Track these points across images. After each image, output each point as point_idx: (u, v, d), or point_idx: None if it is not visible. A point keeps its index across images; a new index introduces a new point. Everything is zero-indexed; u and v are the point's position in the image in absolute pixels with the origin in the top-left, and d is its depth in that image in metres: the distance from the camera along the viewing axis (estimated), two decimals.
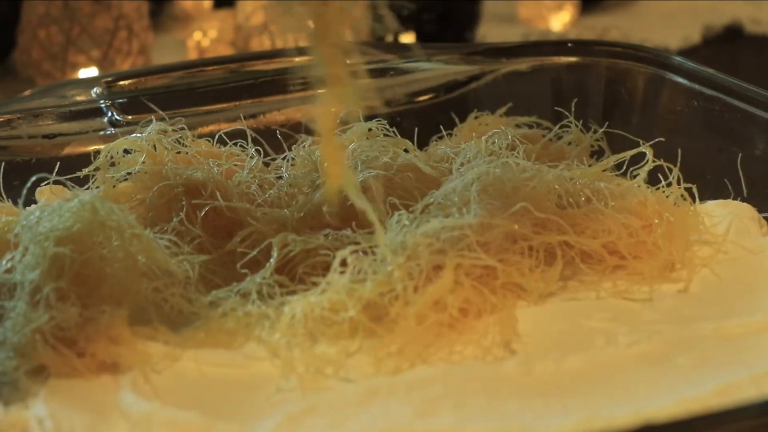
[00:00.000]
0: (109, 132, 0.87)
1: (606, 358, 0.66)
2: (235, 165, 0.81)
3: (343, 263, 0.69)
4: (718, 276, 0.74)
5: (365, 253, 0.70)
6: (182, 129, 0.82)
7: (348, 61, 0.69)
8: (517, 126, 0.89)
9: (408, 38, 1.28)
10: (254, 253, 0.72)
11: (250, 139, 0.83)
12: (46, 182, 0.80)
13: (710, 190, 0.81)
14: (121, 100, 0.88)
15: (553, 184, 0.75)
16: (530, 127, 0.90)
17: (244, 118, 0.88)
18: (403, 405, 0.62)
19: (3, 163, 0.83)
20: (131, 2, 1.20)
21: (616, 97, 0.92)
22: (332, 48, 0.68)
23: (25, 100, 0.88)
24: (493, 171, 0.75)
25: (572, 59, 0.94)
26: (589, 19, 1.43)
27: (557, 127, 0.87)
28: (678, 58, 0.91)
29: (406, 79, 0.94)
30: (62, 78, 1.18)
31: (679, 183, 0.77)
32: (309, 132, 0.89)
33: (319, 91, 0.70)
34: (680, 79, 0.89)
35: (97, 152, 0.82)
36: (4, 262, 0.69)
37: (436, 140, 0.90)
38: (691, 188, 0.78)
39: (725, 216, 0.78)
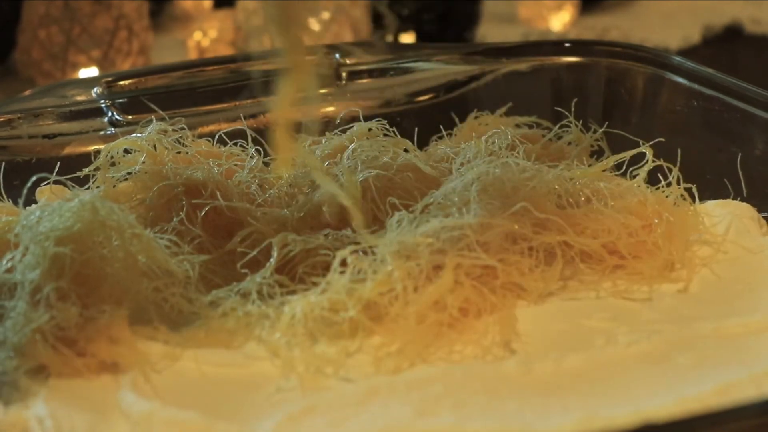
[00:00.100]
0: (109, 132, 0.87)
1: (606, 357, 0.66)
2: (235, 165, 0.81)
3: (343, 263, 0.69)
4: (718, 276, 0.74)
5: (365, 253, 0.70)
6: (182, 129, 0.82)
7: (308, 48, 0.70)
8: (517, 126, 0.89)
9: (408, 38, 1.28)
10: (254, 253, 0.72)
11: (250, 139, 0.83)
12: (46, 182, 0.80)
13: (710, 190, 0.81)
14: (121, 100, 0.88)
15: (553, 184, 0.75)
16: (530, 127, 0.90)
17: (244, 118, 0.88)
18: (403, 404, 0.62)
19: (3, 163, 0.83)
20: (131, 2, 1.20)
21: (616, 97, 0.92)
22: (294, 35, 0.68)
23: (25, 100, 0.88)
24: (493, 171, 0.75)
25: (572, 59, 0.95)
26: (589, 19, 1.43)
27: (557, 127, 0.87)
28: (678, 58, 0.91)
29: (406, 79, 0.94)
30: (62, 78, 1.18)
31: (678, 183, 0.78)
32: (309, 132, 0.89)
33: (280, 76, 0.70)
34: (680, 79, 0.89)
35: (98, 152, 0.82)
36: (4, 262, 0.69)
37: (436, 140, 0.90)
38: (690, 188, 0.78)
39: (725, 216, 0.78)
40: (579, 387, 0.63)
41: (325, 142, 0.84)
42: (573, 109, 0.86)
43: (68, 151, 0.86)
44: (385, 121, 0.85)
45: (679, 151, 0.82)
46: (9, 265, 0.68)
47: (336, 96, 0.92)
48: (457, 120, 0.91)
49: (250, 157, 0.82)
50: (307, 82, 0.69)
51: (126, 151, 0.81)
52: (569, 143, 0.86)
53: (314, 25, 1.23)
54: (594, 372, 0.64)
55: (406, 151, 0.82)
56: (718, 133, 0.86)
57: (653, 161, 0.79)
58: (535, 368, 0.65)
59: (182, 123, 0.83)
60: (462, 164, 0.79)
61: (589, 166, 0.82)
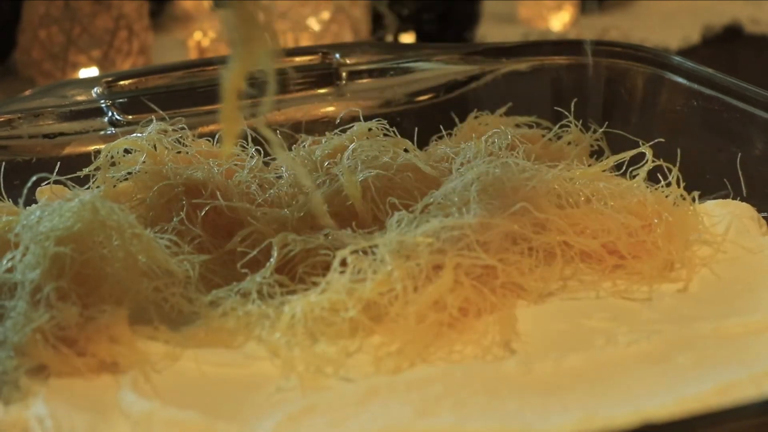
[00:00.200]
0: (109, 132, 0.87)
1: (605, 357, 0.66)
2: (235, 165, 0.81)
3: (343, 263, 0.69)
4: (718, 275, 0.74)
5: (365, 252, 0.70)
6: (182, 129, 0.83)
7: (262, 23, 0.67)
8: (517, 126, 0.89)
9: (408, 38, 1.28)
10: (254, 252, 0.72)
11: (250, 139, 0.83)
12: (46, 182, 0.80)
13: (710, 190, 0.81)
14: (121, 100, 0.88)
15: (552, 184, 0.75)
16: (530, 127, 0.90)
17: (244, 118, 0.88)
18: (403, 404, 0.62)
19: (4, 163, 0.83)
20: (131, 2, 1.20)
21: (616, 97, 0.92)
22: (246, 7, 0.66)
23: (25, 100, 0.88)
24: (492, 171, 0.75)
25: (572, 59, 0.95)
26: (589, 19, 1.43)
27: (557, 127, 0.87)
28: (677, 58, 0.91)
29: (406, 79, 0.94)
30: (63, 78, 1.18)
31: (678, 183, 0.78)
32: (309, 132, 0.89)
33: (232, 50, 0.68)
34: (680, 79, 0.89)
35: (98, 152, 0.82)
36: (4, 262, 0.69)
37: (436, 140, 0.90)
38: (690, 188, 0.78)
39: (725, 216, 0.78)
40: (579, 387, 0.63)
41: (325, 142, 0.84)
42: (573, 109, 0.86)
43: (68, 150, 0.86)
44: (385, 121, 0.85)
45: (678, 151, 0.82)
46: (9, 264, 0.68)
47: (336, 96, 0.92)
48: (457, 120, 0.91)
49: (250, 157, 0.82)
50: (260, 55, 0.67)
51: (126, 151, 0.81)
52: (569, 143, 0.86)
53: (314, 25, 1.23)
54: (594, 372, 0.64)
55: (406, 151, 0.82)
56: (718, 133, 0.86)
57: (653, 161, 0.79)
58: (535, 368, 0.65)
59: (182, 123, 0.83)
60: (462, 164, 0.79)
61: (589, 166, 0.82)
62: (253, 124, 0.70)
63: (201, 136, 0.86)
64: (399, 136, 0.84)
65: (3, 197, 0.81)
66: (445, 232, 0.70)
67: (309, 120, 0.91)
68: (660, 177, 0.78)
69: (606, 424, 0.59)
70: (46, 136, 0.86)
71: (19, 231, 0.70)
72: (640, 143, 0.80)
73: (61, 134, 0.86)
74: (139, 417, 0.62)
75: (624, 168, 0.81)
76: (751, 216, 0.79)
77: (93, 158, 0.82)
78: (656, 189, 0.78)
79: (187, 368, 0.66)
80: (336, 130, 0.86)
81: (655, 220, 0.75)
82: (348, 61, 0.93)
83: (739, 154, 0.83)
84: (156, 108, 0.86)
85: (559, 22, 1.40)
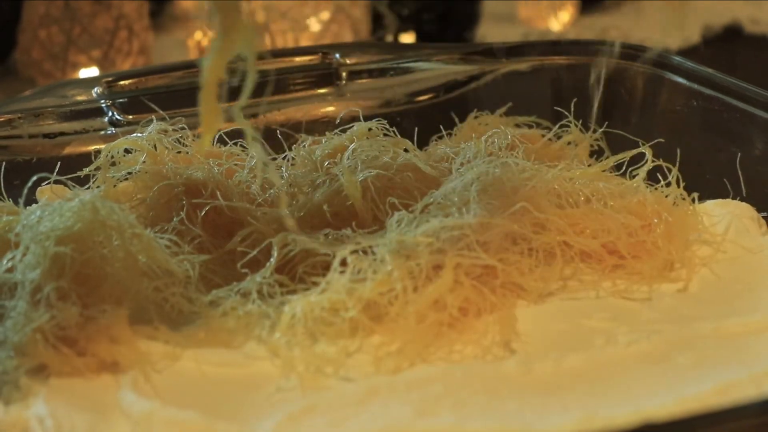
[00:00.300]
0: (109, 132, 0.87)
1: (605, 357, 0.66)
2: (235, 165, 0.81)
3: (343, 263, 0.69)
4: (718, 275, 0.74)
5: (365, 252, 0.70)
6: (182, 129, 0.83)
7: (243, 11, 0.66)
8: (517, 126, 0.89)
9: (408, 38, 1.28)
10: (254, 252, 0.72)
11: (250, 139, 0.83)
12: (46, 182, 0.80)
13: (709, 190, 0.81)
14: (121, 100, 0.88)
15: (552, 184, 0.75)
16: (530, 127, 0.90)
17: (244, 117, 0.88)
18: (403, 404, 0.62)
19: (4, 163, 0.83)
20: (131, 2, 1.20)
21: (616, 97, 0.92)
22: None
23: (25, 100, 0.88)
24: (492, 171, 0.75)
25: (572, 59, 0.95)
26: (589, 19, 1.43)
27: (557, 127, 0.87)
28: (677, 58, 0.91)
29: (406, 79, 0.94)
30: (63, 78, 1.18)
31: (678, 183, 0.78)
32: (309, 132, 0.89)
33: (213, 38, 0.67)
34: (679, 79, 0.89)
35: (98, 152, 0.82)
36: (5, 262, 0.69)
37: (436, 140, 0.90)
38: (690, 188, 0.78)
39: (724, 215, 0.78)
40: (579, 387, 0.63)
41: (325, 142, 0.84)
42: (573, 109, 0.86)
43: (69, 150, 0.86)
44: (385, 121, 0.85)
45: (678, 151, 0.82)
46: (9, 264, 0.68)
47: (336, 96, 0.92)
48: (457, 120, 0.91)
49: (250, 157, 0.82)
50: (241, 45, 0.65)
51: (126, 151, 0.81)
52: (569, 143, 0.86)
53: (314, 25, 1.23)
54: (594, 372, 0.65)
55: (406, 151, 0.82)
56: (718, 133, 0.86)
57: (653, 161, 0.79)
58: (535, 368, 0.65)
59: (182, 123, 0.83)
60: (462, 164, 0.79)
61: (589, 166, 0.82)
62: (231, 115, 0.69)
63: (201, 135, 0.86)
64: (399, 136, 0.84)
65: (3, 197, 0.81)
66: (445, 232, 0.70)
67: (309, 120, 0.91)
68: (660, 177, 0.78)
69: (606, 424, 0.59)
70: (46, 135, 0.86)
71: (20, 231, 0.70)
72: (640, 143, 0.81)
73: (62, 134, 0.86)
74: (139, 417, 0.62)
75: (624, 168, 0.81)
76: (750, 216, 0.79)
77: (93, 158, 0.82)
78: (656, 189, 0.78)
79: (187, 368, 0.66)
80: (336, 130, 0.86)
81: (655, 220, 0.75)
82: (348, 61, 0.93)
83: (739, 154, 0.83)
84: (156, 108, 0.86)
85: (559, 22, 1.40)
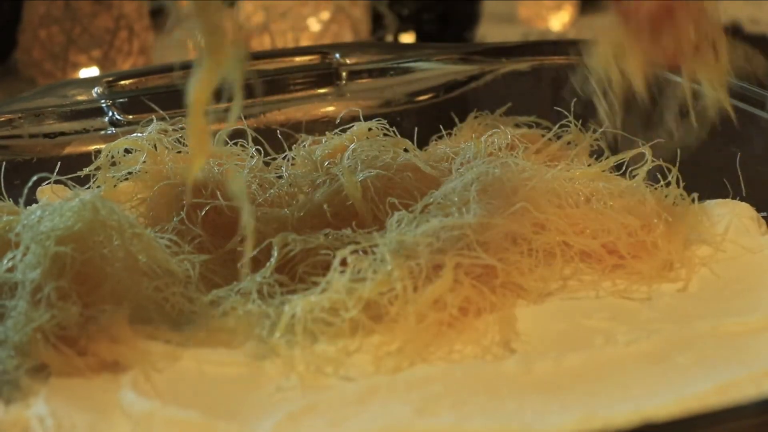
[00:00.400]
0: (110, 131, 0.87)
1: (605, 356, 0.66)
2: (236, 164, 0.81)
3: (343, 263, 0.69)
4: (717, 275, 0.74)
5: (365, 252, 0.70)
6: (183, 128, 0.83)
7: (229, 32, 0.64)
8: (517, 126, 0.89)
9: (408, 38, 1.29)
10: (254, 252, 0.72)
11: (250, 139, 0.83)
12: (47, 181, 0.80)
13: (709, 190, 0.81)
14: (121, 100, 0.88)
15: (552, 183, 0.75)
16: (530, 126, 0.90)
17: (244, 117, 0.88)
18: (403, 403, 0.62)
19: (4, 163, 0.83)
20: (132, 2, 1.20)
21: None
22: (213, 17, 0.63)
23: (26, 100, 0.88)
24: (492, 171, 0.75)
25: (572, 59, 0.95)
26: (589, 19, 1.43)
27: (557, 126, 0.87)
28: None
29: (406, 79, 0.94)
30: (63, 78, 1.18)
31: (678, 183, 0.78)
32: (309, 132, 0.89)
33: (197, 60, 0.65)
34: (679, 79, 0.89)
35: (98, 152, 0.82)
36: (5, 261, 0.69)
37: (435, 140, 0.90)
38: (690, 188, 0.78)
39: (724, 215, 0.78)
40: (578, 386, 0.63)
41: (325, 142, 0.85)
42: (573, 109, 0.86)
43: (69, 150, 0.86)
44: (385, 121, 0.85)
45: (678, 151, 0.82)
46: (10, 264, 0.68)
47: (336, 96, 0.92)
48: (457, 120, 0.91)
49: (250, 156, 0.82)
50: (226, 68, 0.64)
51: (127, 151, 0.81)
52: (569, 143, 0.86)
53: (314, 25, 1.23)
54: (593, 371, 0.65)
55: (406, 151, 0.82)
56: (718, 133, 0.85)
57: (653, 161, 0.79)
58: (535, 367, 0.65)
59: (182, 123, 0.83)
60: (462, 164, 0.79)
61: (589, 166, 0.82)
62: (218, 130, 0.68)
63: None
64: (399, 136, 0.84)
65: (3, 197, 0.81)
66: (445, 232, 0.70)
67: (309, 120, 0.92)
68: (660, 177, 0.78)
69: (606, 423, 0.59)
70: (46, 135, 0.86)
71: (20, 230, 0.70)
72: (640, 143, 0.81)
73: (62, 134, 0.87)
74: (139, 416, 0.62)
75: (624, 168, 0.81)
76: (750, 216, 0.79)
77: (93, 158, 0.82)
78: (656, 189, 0.78)
79: (188, 368, 0.66)
80: (336, 130, 0.86)
81: (655, 220, 0.75)
82: (348, 61, 0.93)
83: (739, 154, 0.83)
84: (156, 108, 0.86)
85: (559, 22, 1.40)
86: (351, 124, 0.86)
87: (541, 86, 0.95)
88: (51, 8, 1.18)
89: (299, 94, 0.92)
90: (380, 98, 0.93)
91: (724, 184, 0.82)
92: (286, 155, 0.85)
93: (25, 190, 0.77)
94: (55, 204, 0.70)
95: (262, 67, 0.93)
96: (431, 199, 0.74)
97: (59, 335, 0.65)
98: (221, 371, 0.66)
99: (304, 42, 1.23)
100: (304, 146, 0.85)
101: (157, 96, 0.88)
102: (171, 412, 0.62)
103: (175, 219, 0.76)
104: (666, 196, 0.77)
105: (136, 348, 0.66)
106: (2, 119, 0.86)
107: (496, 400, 0.62)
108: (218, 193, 0.76)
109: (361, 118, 0.87)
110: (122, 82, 0.90)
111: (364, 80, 0.93)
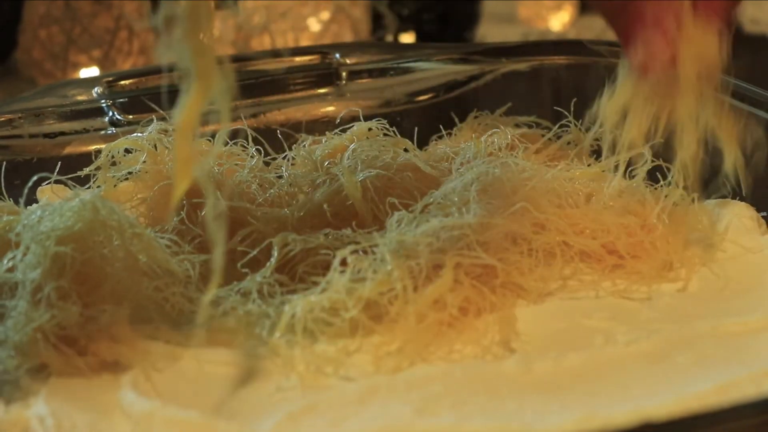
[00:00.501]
0: (110, 131, 0.87)
1: (605, 356, 0.66)
2: (236, 164, 0.81)
3: (343, 262, 0.69)
4: (717, 275, 0.74)
5: (365, 252, 0.70)
6: None
7: (217, 55, 0.63)
8: (517, 126, 0.89)
9: (408, 38, 1.29)
10: (254, 252, 0.72)
11: (250, 139, 0.83)
12: (47, 181, 0.80)
13: (709, 190, 0.81)
14: (122, 100, 0.88)
15: (552, 183, 0.75)
16: (530, 126, 0.90)
17: (244, 117, 0.88)
18: (403, 403, 0.62)
19: (4, 163, 0.83)
20: (132, 2, 1.20)
21: None
22: (201, 39, 0.62)
23: (26, 100, 0.88)
24: (492, 171, 0.75)
25: (572, 59, 0.95)
26: (589, 19, 1.43)
27: (557, 126, 0.87)
28: None
29: (406, 79, 0.94)
30: (63, 77, 1.18)
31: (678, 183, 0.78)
32: (309, 132, 0.89)
33: (185, 84, 0.64)
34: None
35: (98, 152, 0.82)
36: (5, 261, 0.69)
37: (435, 140, 0.90)
38: (689, 188, 0.78)
39: (724, 215, 0.78)
40: (578, 386, 0.63)
41: (325, 142, 0.85)
42: (573, 109, 0.86)
43: (69, 150, 0.86)
44: (385, 121, 0.85)
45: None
46: (10, 264, 0.68)
47: (336, 96, 0.92)
48: (457, 120, 0.91)
49: (251, 156, 0.82)
50: (214, 90, 0.62)
51: (127, 151, 0.81)
52: (569, 143, 0.86)
53: (314, 25, 1.23)
54: (593, 371, 0.65)
55: (406, 150, 0.82)
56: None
57: (653, 161, 0.79)
58: (535, 367, 0.65)
59: None
60: (462, 164, 0.79)
61: (589, 166, 0.82)
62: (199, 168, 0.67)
63: (201, 135, 0.86)
64: (399, 136, 0.84)
65: (4, 197, 0.81)
66: (445, 231, 0.70)
67: (309, 120, 0.92)
68: (660, 177, 0.78)
69: (606, 423, 0.59)
70: (46, 135, 0.86)
71: (20, 230, 0.70)
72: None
73: (62, 134, 0.87)
74: (139, 416, 0.62)
75: (624, 168, 0.81)
76: (750, 215, 0.79)
77: (93, 158, 0.82)
78: (656, 189, 0.78)
79: (188, 367, 0.66)
80: (336, 130, 0.86)
81: (655, 220, 0.75)
82: (348, 61, 0.93)
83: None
84: (156, 108, 0.86)
85: (559, 22, 1.40)
86: (351, 124, 0.86)
87: (541, 86, 0.95)
88: (51, 8, 1.18)
89: (299, 94, 0.92)
90: (380, 98, 0.93)
91: (724, 184, 0.82)
92: (286, 155, 0.85)
93: (25, 190, 0.77)
94: (55, 204, 0.70)
95: (262, 67, 0.93)
96: (431, 199, 0.74)
97: (59, 335, 0.65)
98: (221, 371, 0.66)
99: (304, 42, 1.23)
100: (304, 146, 0.85)
101: (157, 96, 0.88)
102: (171, 412, 0.62)
103: (175, 219, 0.76)
104: (666, 196, 0.77)
105: (136, 348, 0.66)
106: (2, 119, 0.86)
107: (496, 400, 0.62)
108: (218, 193, 0.76)
109: (361, 118, 0.87)
110: (122, 82, 0.90)
111: (364, 80, 0.93)
